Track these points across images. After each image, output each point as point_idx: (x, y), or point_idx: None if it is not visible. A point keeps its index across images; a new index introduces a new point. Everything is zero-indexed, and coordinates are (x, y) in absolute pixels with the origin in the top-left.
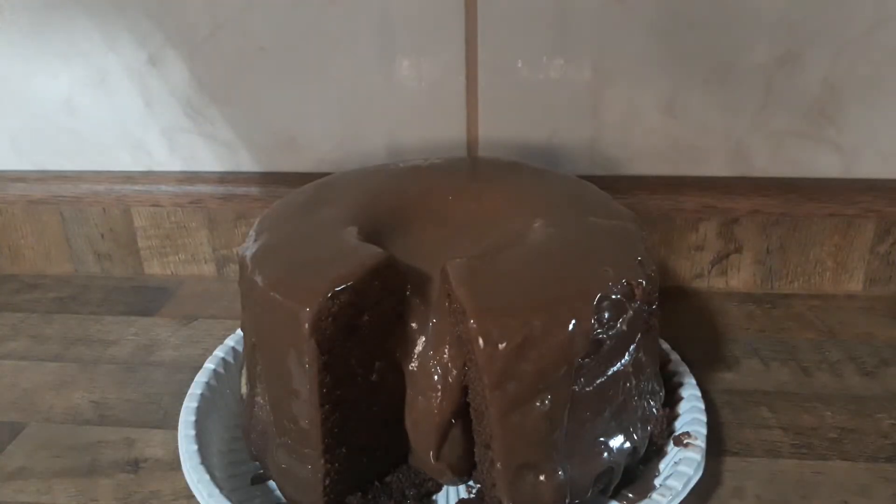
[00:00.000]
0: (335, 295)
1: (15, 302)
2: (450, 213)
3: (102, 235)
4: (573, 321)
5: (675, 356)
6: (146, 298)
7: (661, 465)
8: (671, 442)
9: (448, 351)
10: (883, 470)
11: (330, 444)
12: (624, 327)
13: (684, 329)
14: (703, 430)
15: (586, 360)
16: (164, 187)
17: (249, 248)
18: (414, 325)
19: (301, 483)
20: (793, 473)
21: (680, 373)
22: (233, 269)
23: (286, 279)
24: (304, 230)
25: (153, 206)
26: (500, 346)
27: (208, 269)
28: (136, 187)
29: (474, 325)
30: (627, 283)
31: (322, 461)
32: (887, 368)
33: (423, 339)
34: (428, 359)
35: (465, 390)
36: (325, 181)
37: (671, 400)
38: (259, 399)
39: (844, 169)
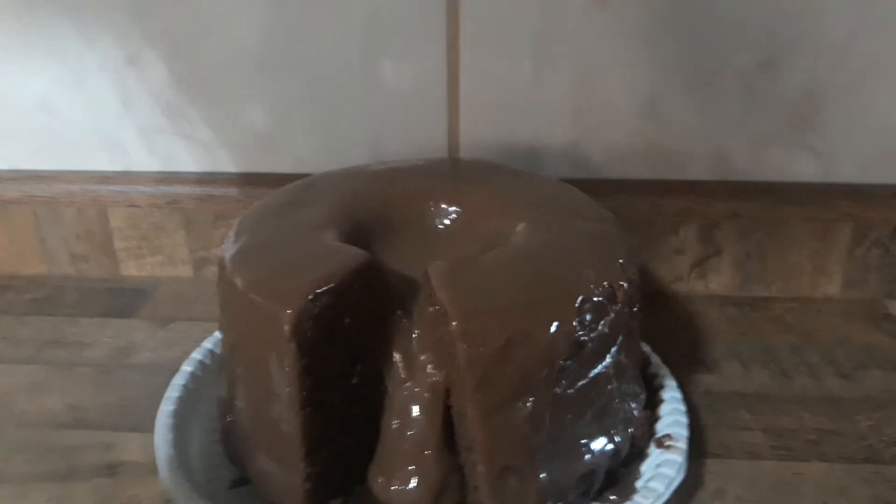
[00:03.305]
0: (316, 297)
1: None
2: (431, 216)
3: (78, 236)
4: (556, 323)
5: (655, 359)
6: (122, 300)
7: (643, 468)
8: (653, 444)
9: (429, 354)
10: (861, 471)
11: (311, 448)
12: (605, 329)
13: (664, 332)
14: (685, 433)
15: (568, 362)
16: (140, 188)
17: (229, 249)
18: (395, 328)
19: (282, 487)
20: (773, 475)
21: (661, 375)
22: (210, 271)
23: (267, 281)
24: (284, 232)
25: (130, 206)
26: (483, 349)
27: (185, 270)
28: (113, 188)
29: (457, 327)
30: (609, 286)
31: (303, 465)
32: (865, 371)
33: (405, 342)
34: (409, 362)
35: (447, 393)
36: (306, 182)
37: (652, 402)
38: (238, 402)
39: (823, 174)
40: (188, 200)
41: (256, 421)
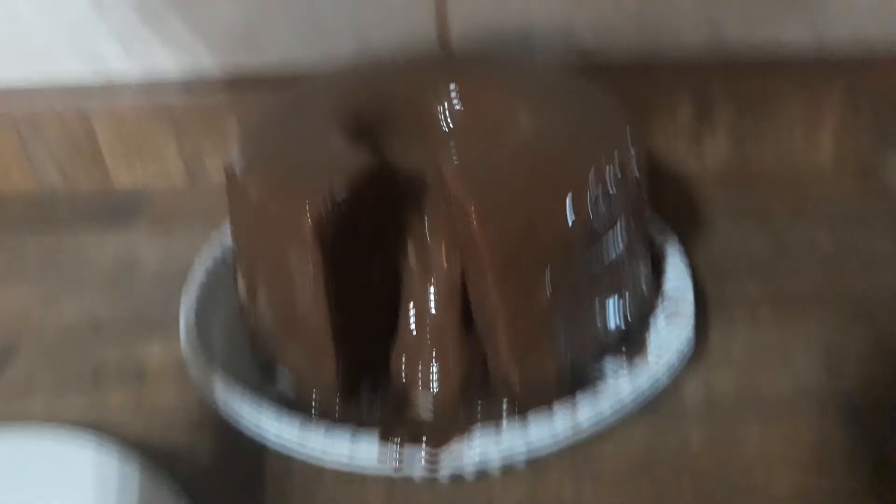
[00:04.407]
0: (335, 200)
1: None
2: (433, 112)
3: (64, 151)
4: (572, 206)
5: (658, 226)
6: (119, 212)
7: (651, 331)
8: (660, 308)
9: (443, 249)
10: (856, 325)
11: (340, 344)
12: (617, 207)
13: (661, 203)
14: (691, 298)
15: (584, 237)
16: (125, 97)
17: (236, 157)
18: (408, 225)
19: (315, 382)
20: (772, 333)
21: (664, 242)
22: (204, 178)
23: (284, 186)
24: (291, 136)
25: (116, 117)
26: (505, 236)
27: (178, 179)
28: (96, 98)
29: (477, 218)
30: (620, 157)
31: (334, 360)
32: (856, 233)
33: (418, 239)
34: (423, 259)
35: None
36: (304, 84)
37: (658, 268)
38: (261, 307)
39: (818, 43)
40: (176, 108)
41: (283, 323)
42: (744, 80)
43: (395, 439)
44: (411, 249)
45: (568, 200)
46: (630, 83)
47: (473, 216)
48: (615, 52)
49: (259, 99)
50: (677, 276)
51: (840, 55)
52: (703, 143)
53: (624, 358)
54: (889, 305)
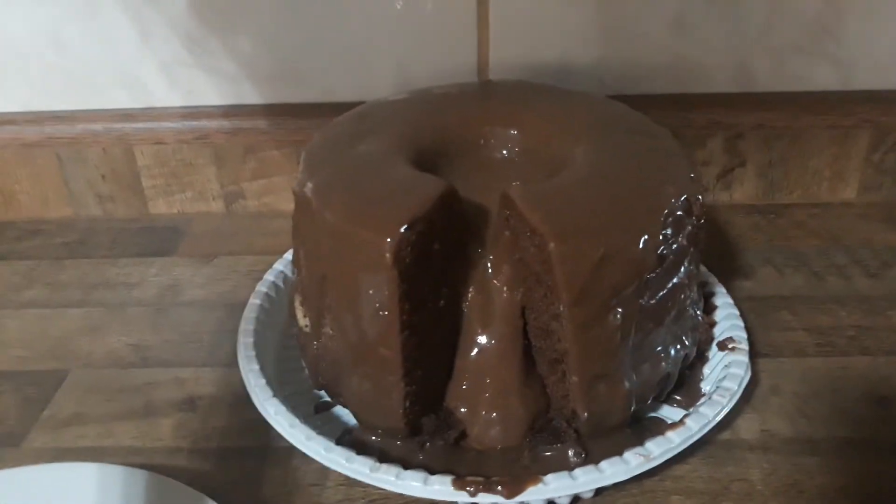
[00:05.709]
0: (412, 225)
1: (19, 249)
2: (489, 142)
3: (103, 176)
4: (644, 238)
5: (702, 268)
6: (158, 239)
7: (706, 370)
8: (714, 347)
9: (504, 277)
10: None
11: (408, 369)
12: (684, 241)
13: None
14: (744, 335)
15: (652, 274)
16: (166, 124)
17: (307, 183)
18: (470, 253)
19: (381, 408)
20: (821, 370)
21: (710, 283)
22: (241, 205)
23: (363, 212)
24: (359, 163)
25: (156, 143)
26: (581, 266)
27: (216, 205)
28: (137, 125)
29: (554, 248)
30: (686, 199)
31: (402, 385)
32: (889, 270)
33: (479, 266)
34: (484, 286)
35: (522, 312)
36: (360, 112)
37: (707, 308)
38: (328, 330)
39: (843, 82)
40: (216, 135)
41: (351, 347)
42: (772, 116)
43: (469, 489)
44: (472, 284)
45: (641, 241)
46: (664, 116)
47: (551, 245)
48: (649, 86)
49: (298, 127)
50: (727, 310)
51: (866, 93)
52: (733, 177)
53: (678, 395)
54: None
